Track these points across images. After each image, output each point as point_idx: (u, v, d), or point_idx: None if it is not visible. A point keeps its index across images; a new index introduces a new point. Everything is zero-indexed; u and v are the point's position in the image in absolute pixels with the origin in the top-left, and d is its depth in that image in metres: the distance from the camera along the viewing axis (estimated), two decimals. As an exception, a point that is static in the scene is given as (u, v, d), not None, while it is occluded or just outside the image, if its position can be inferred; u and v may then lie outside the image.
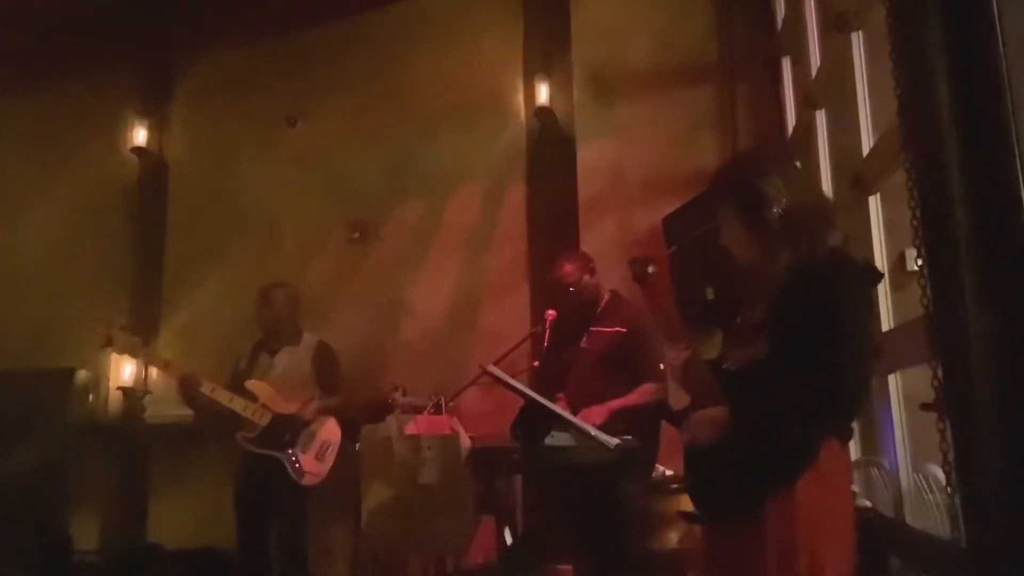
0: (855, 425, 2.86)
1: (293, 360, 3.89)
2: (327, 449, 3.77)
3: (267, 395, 3.74)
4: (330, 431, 3.81)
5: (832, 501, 1.64)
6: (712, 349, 1.84)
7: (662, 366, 3.24)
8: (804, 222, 1.71)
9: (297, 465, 3.66)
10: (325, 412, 3.84)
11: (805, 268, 1.68)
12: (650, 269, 2.14)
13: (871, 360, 1.77)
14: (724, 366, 1.79)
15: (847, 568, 1.65)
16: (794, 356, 1.60)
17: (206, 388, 3.69)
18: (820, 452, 1.62)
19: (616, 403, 3.14)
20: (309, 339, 3.98)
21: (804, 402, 1.60)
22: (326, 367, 3.95)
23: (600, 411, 3.08)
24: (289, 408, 3.74)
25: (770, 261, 1.75)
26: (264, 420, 3.69)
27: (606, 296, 3.48)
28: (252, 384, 3.76)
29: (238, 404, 3.70)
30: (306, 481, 3.68)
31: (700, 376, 1.82)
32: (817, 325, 1.59)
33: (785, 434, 1.64)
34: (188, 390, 3.71)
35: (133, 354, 4.36)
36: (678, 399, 1.84)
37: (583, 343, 3.40)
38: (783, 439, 1.64)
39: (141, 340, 4.03)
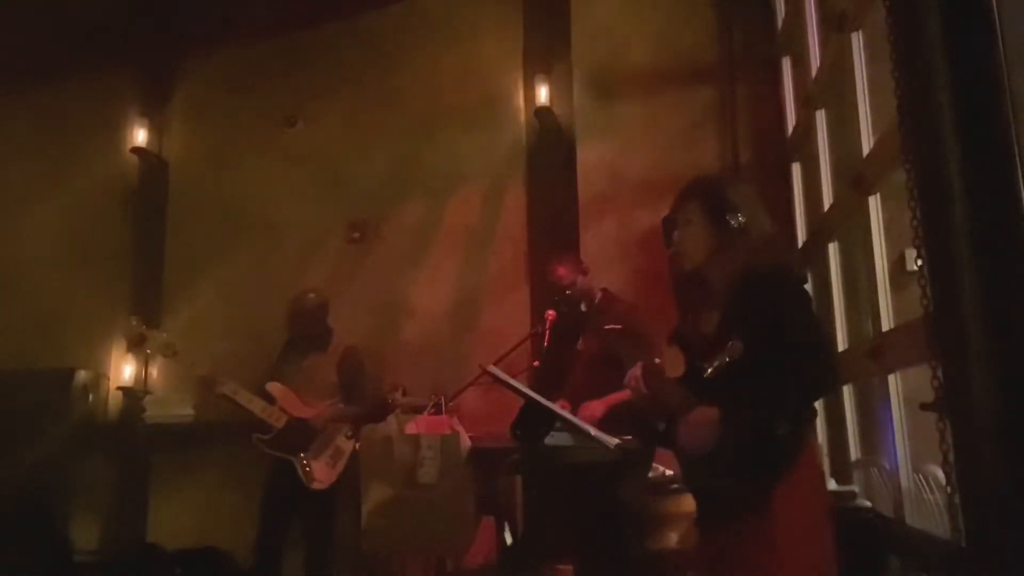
0: (855, 425, 2.91)
1: (318, 366, 3.92)
2: (339, 456, 3.78)
3: (285, 398, 3.77)
4: (344, 439, 3.82)
5: (802, 492, 1.70)
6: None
7: (657, 360, 3.26)
8: (759, 235, 1.87)
9: (308, 469, 3.69)
10: (340, 420, 3.85)
11: (761, 276, 1.80)
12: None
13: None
14: (703, 373, 1.81)
15: (823, 560, 1.70)
16: (773, 356, 1.67)
17: (228, 389, 3.72)
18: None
19: (615, 397, 3.13)
20: (338, 345, 4.00)
21: (788, 397, 1.70)
22: (350, 375, 3.95)
23: (599, 405, 3.08)
24: (305, 412, 3.77)
25: (724, 266, 1.88)
26: (279, 423, 3.71)
27: (599, 295, 3.49)
28: (271, 386, 3.80)
29: (256, 405, 3.74)
30: (314, 487, 3.70)
31: (662, 385, 1.88)
32: (785, 327, 1.72)
33: (773, 430, 1.68)
34: (206, 390, 3.76)
35: (165, 355, 4.29)
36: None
37: (580, 344, 3.41)
38: (773, 435, 1.68)
39: (173, 344, 4.04)
